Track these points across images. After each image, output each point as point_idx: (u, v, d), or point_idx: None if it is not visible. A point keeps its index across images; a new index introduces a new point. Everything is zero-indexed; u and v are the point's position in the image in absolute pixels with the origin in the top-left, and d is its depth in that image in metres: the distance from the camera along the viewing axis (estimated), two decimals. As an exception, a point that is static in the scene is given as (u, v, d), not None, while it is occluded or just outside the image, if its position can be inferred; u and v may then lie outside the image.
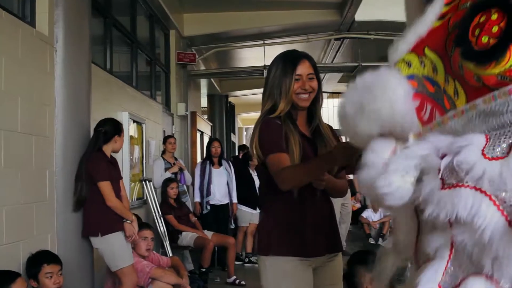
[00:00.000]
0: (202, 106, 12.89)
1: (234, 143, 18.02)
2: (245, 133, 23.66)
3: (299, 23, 10.48)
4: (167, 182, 7.21)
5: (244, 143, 18.43)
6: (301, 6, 9.95)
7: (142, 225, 5.40)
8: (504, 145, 1.11)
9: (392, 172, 1.21)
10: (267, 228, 2.66)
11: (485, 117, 1.19)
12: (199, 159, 10.23)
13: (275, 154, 2.47)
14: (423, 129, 1.32)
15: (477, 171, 1.07)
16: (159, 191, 7.26)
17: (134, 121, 6.73)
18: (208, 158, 8.07)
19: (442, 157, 1.15)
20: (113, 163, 4.90)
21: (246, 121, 23.10)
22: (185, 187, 8.00)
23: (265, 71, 10.96)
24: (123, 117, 6.33)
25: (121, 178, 5.02)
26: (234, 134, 17.69)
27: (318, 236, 2.62)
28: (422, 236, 1.25)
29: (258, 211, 8.59)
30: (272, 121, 2.58)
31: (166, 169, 7.55)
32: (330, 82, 15.44)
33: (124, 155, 6.30)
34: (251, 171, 8.64)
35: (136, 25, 7.83)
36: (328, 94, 16.45)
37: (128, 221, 4.70)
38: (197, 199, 7.91)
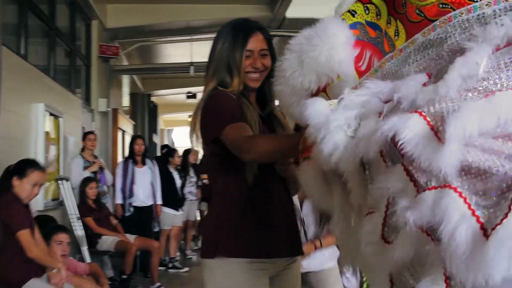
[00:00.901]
0: (124, 105, 12.25)
1: (156, 144, 17.43)
2: (167, 134, 23.01)
3: (228, 18, 10.03)
4: (85, 181, 6.65)
5: (166, 143, 17.80)
6: (230, 1, 9.58)
7: (57, 228, 4.86)
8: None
9: (335, 130, 1.16)
10: (214, 224, 2.19)
11: (424, 50, 1.19)
12: (120, 159, 9.64)
13: (234, 124, 2.01)
14: (359, 81, 1.28)
15: (420, 100, 1.06)
16: (76, 191, 6.66)
17: (51, 114, 6.14)
18: (131, 157, 7.55)
19: (386, 102, 1.14)
20: (27, 205, 4.26)
21: (169, 122, 22.47)
22: (105, 187, 7.45)
23: (192, 68, 10.69)
24: (38, 109, 5.75)
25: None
26: (156, 134, 17.10)
27: (279, 234, 2.17)
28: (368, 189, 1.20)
29: (180, 212, 8.21)
30: (226, 92, 2.16)
31: (85, 168, 6.98)
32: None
33: (38, 152, 5.71)
34: (171, 170, 8.20)
35: (56, 12, 7.22)
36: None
37: (54, 270, 4.12)
38: (119, 200, 7.36)
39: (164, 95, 16.63)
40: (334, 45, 1.34)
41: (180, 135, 23.09)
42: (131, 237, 6.65)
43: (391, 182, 1.08)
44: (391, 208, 1.09)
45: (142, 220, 7.40)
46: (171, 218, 8.09)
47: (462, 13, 1.14)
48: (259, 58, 2.23)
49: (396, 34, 1.38)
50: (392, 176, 1.08)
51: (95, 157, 7.32)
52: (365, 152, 1.10)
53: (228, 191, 2.17)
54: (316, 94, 1.43)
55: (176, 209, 8.13)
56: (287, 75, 1.44)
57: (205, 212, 12.93)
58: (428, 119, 1.03)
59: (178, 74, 13.44)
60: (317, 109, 1.22)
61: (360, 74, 1.37)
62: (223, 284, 2.12)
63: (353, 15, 1.42)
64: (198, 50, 11.51)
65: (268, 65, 2.24)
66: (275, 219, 2.17)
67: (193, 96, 15.84)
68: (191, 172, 9.23)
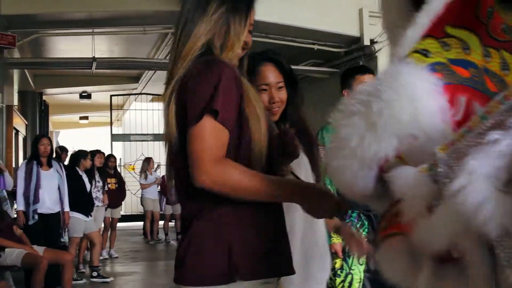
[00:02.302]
0: (14, 104, 11.16)
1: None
2: (55, 137, 21.62)
3: (133, 11, 9.37)
4: (-17, 186, 5.77)
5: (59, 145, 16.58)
6: (137, -8, 8.92)
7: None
8: None
9: (480, 180, 0.85)
10: (220, 243, 1.63)
11: None
12: (15, 161, 8.69)
13: (219, 124, 1.57)
14: (454, 135, 1.01)
15: None
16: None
17: None
18: (35, 158, 6.69)
19: None
20: None
21: (57, 124, 21.14)
22: (5, 192, 6.55)
23: (94, 64, 9.87)
24: None
25: None
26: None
27: (287, 248, 1.79)
28: None
29: (91, 218, 7.49)
30: (232, 70, 1.67)
31: (-20, 171, 6.08)
32: (157, 84, 14.43)
33: None
34: (80, 173, 7.44)
35: None
36: (153, 96, 15.50)
37: None
38: (21, 207, 6.49)
39: (56, 94, 15.49)
40: (415, 96, 1.06)
41: (67, 138, 21.95)
42: (39, 249, 5.83)
43: None
44: None
45: (48, 229, 6.58)
46: (82, 225, 7.33)
47: None
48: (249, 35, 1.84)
49: (505, 67, 1.13)
50: None
51: (-7, 158, 6.42)
52: None
53: (229, 201, 1.63)
54: (386, 162, 1.11)
55: (87, 215, 7.42)
56: (353, 145, 1.09)
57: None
58: None
59: (73, 72, 12.51)
60: (409, 178, 0.99)
61: (456, 125, 1.08)
62: None
63: (426, 55, 1.13)
64: (100, 44, 10.73)
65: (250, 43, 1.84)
66: (283, 232, 1.80)
67: (88, 96, 14.91)
68: (97, 176, 8.49)
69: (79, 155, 7.78)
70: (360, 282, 3.54)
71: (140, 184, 12.07)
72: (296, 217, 2.16)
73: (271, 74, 2.22)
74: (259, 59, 2.23)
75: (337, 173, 1.16)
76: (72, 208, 7.04)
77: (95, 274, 7.64)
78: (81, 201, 7.25)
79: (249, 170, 1.61)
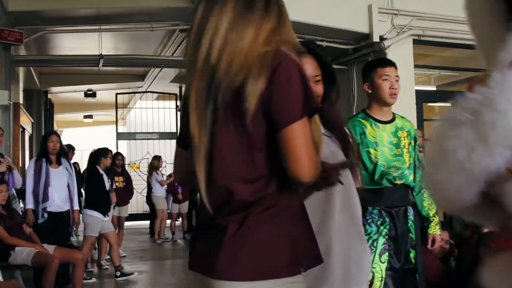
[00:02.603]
0: (20, 102, 11.07)
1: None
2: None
3: (140, 7, 9.27)
4: (-8, 184, 5.69)
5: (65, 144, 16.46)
6: (145, -12, 8.82)
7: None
8: None
9: None
10: (285, 234, 1.59)
11: None
12: (21, 160, 8.60)
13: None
14: None
15: None
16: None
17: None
18: (44, 155, 6.60)
19: None
20: None
21: (61, 123, 21.04)
22: (14, 190, 6.46)
23: (101, 61, 9.76)
24: None
25: None
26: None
27: None
28: None
29: (108, 218, 7.41)
30: None
31: (-11, 169, 6.00)
32: (162, 82, 14.35)
33: None
34: (101, 171, 7.35)
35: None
36: (158, 94, 15.42)
37: None
38: (30, 205, 6.42)
39: (61, 93, 15.39)
40: None
41: (71, 137, 21.85)
42: (49, 248, 5.75)
43: None
44: None
45: (57, 228, 6.50)
46: (99, 224, 7.28)
47: None
48: None
49: None
50: None
51: (1, 155, 6.33)
52: None
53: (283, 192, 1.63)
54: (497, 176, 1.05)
55: (105, 214, 7.33)
56: (461, 158, 1.02)
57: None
58: None
59: (78, 70, 12.42)
60: None
61: None
62: None
63: None
64: (107, 42, 10.63)
65: None
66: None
67: (93, 94, 14.82)
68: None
69: (99, 153, 7.73)
70: (381, 280, 3.45)
71: (161, 181, 11.82)
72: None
73: (310, 67, 2.13)
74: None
75: (441, 187, 1.10)
76: (91, 206, 7.02)
77: (118, 273, 7.61)
78: (100, 200, 7.23)
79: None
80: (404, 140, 3.59)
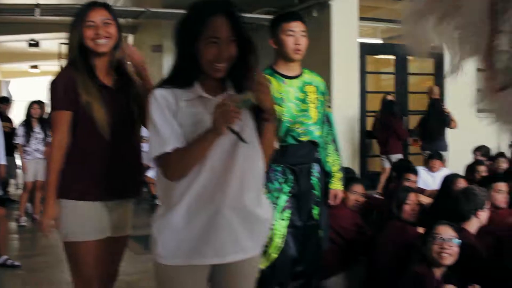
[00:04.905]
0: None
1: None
2: (4, 86, 20.88)
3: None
4: None
5: (4, 95, 15.89)
6: None
7: None
8: None
9: None
10: None
11: None
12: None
13: None
14: None
15: None
16: None
17: None
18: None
19: None
20: None
21: (7, 73, 20.44)
22: None
23: (37, 10, 9.39)
24: None
25: None
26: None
27: None
28: None
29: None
30: None
31: None
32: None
33: None
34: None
35: None
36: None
37: None
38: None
39: (3, 42, 14.88)
40: None
41: (19, 87, 21.29)
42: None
43: None
44: None
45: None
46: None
47: None
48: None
49: None
50: None
51: None
52: None
53: None
54: None
55: None
56: None
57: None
58: None
59: (19, 19, 11.94)
60: None
61: None
62: None
63: None
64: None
65: None
66: None
67: (36, 44, 14.34)
68: (37, 128, 8.07)
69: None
70: (282, 238, 3.43)
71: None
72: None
73: (223, 28, 1.99)
74: (211, 8, 2.02)
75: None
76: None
77: None
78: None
79: None
80: (311, 95, 3.52)
